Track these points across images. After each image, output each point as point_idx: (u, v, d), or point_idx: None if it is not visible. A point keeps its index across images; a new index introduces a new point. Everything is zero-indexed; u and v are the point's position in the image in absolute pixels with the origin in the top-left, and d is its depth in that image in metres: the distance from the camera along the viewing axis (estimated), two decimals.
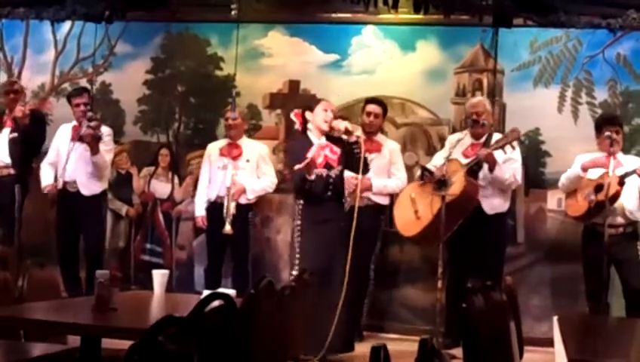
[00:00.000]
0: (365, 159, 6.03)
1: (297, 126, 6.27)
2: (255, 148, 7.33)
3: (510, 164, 6.57)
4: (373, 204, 6.96)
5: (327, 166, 6.02)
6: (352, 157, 5.97)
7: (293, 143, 6.58)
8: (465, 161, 6.51)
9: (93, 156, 7.07)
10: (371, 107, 7.07)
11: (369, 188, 6.85)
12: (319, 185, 5.97)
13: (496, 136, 6.64)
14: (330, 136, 6.14)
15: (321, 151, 6.02)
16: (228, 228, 6.82)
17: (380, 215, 7.06)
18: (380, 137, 7.16)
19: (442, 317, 6.22)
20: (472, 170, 6.46)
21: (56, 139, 7.35)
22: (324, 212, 6.00)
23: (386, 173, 7.02)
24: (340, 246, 5.84)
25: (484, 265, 6.39)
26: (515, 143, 6.36)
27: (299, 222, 6.08)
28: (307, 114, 6.17)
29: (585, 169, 6.46)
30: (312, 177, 5.92)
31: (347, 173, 6.29)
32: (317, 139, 6.10)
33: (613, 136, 6.40)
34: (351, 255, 5.98)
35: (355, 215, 5.87)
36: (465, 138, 6.70)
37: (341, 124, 6.03)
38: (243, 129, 7.41)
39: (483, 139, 6.65)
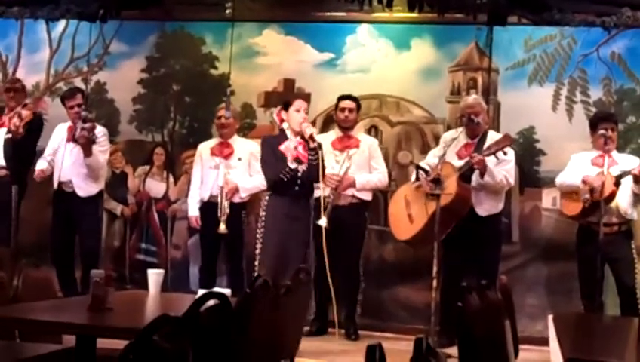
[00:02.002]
0: (324, 168, 6.11)
1: (279, 124, 6.42)
2: (246, 146, 7.30)
3: (503, 166, 6.55)
4: (357, 201, 6.98)
5: (298, 161, 6.12)
6: (309, 164, 6.08)
7: (268, 137, 6.66)
8: (458, 163, 6.51)
9: (86, 158, 7.05)
10: (344, 103, 7.11)
11: (352, 185, 6.89)
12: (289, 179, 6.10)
13: (491, 135, 6.65)
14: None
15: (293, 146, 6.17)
16: (222, 227, 6.82)
17: (364, 212, 7.08)
18: (356, 133, 7.18)
19: (438, 316, 6.22)
20: (465, 175, 6.47)
21: (53, 138, 7.33)
22: (290, 207, 6.13)
23: (366, 168, 7.04)
24: (303, 243, 5.95)
25: (479, 265, 6.41)
26: (506, 148, 6.36)
27: (263, 214, 6.24)
28: (282, 113, 6.31)
29: (585, 182, 6.41)
30: (293, 166, 6.07)
31: (327, 171, 6.55)
32: (292, 136, 6.22)
33: (607, 134, 6.41)
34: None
35: (319, 212, 6.00)
36: (459, 137, 6.70)
37: (308, 130, 6.12)
38: (235, 128, 7.40)
39: (477, 139, 6.66)
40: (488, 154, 6.39)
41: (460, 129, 6.78)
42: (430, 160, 6.73)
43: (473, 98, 6.96)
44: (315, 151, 6.07)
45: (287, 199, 6.16)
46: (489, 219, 6.64)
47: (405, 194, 6.71)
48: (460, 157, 6.60)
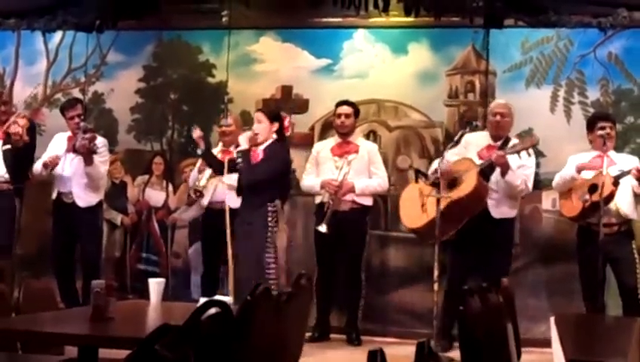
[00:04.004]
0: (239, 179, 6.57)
1: None
2: None
3: (523, 171, 6.56)
4: (357, 206, 6.98)
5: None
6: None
7: None
8: (479, 162, 6.53)
9: (86, 167, 7.05)
10: (341, 109, 7.13)
11: (352, 190, 6.89)
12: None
13: (514, 141, 6.66)
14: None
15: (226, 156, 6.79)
16: (201, 184, 7.08)
17: (365, 217, 7.07)
18: (355, 139, 7.18)
19: (440, 320, 6.22)
20: (484, 172, 6.47)
21: (51, 147, 7.30)
22: (242, 214, 6.47)
23: (366, 173, 7.04)
24: (255, 246, 6.28)
25: (488, 269, 6.39)
26: (530, 150, 6.37)
27: None
28: None
29: (579, 170, 6.46)
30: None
31: (327, 176, 6.90)
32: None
33: (606, 132, 6.42)
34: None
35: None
36: (482, 138, 6.72)
37: (240, 138, 6.55)
38: (237, 136, 7.40)
39: (500, 142, 6.67)
40: (511, 153, 6.42)
41: (482, 133, 6.77)
42: (449, 158, 6.65)
43: (503, 101, 6.99)
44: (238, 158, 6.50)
45: (242, 204, 6.49)
46: (502, 222, 6.63)
47: (419, 188, 6.67)
48: (481, 158, 6.60)
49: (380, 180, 7.06)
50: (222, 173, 6.73)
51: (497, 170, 6.52)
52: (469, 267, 6.56)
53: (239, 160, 6.43)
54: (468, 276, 6.43)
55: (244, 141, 6.47)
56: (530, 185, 6.68)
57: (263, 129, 6.50)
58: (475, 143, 6.69)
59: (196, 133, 6.88)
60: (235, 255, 6.43)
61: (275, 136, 6.53)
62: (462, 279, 6.36)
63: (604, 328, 4.51)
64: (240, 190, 6.51)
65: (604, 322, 5.19)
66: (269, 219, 6.38)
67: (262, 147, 6.48)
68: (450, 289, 6.44)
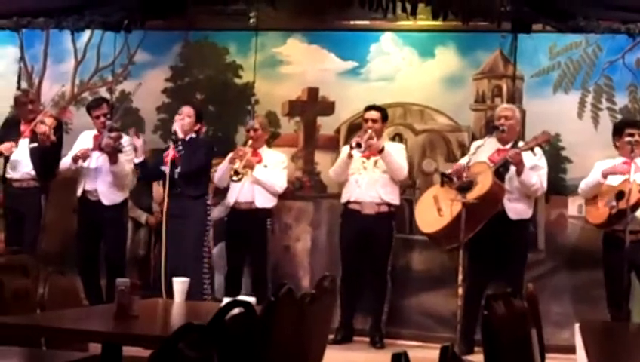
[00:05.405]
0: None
1: None
2: (274, 156, 7.37)
3: (536, 171, 6.57)
4: (384, 210, 6.98)
5: (171, 163, 6.91)
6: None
7: None
8: (492, 165, 6.52)
9: (112, 166, 7.11)
10: (369, 114, 7.13)
11: (380, 148, 6.90)
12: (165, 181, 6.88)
13: (522, 144, 6.65)
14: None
15: (169, 150, 7.06)
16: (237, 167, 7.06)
17: (391, 220, 7.06)
18: (383, 142, 7.16)
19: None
20: (499, 172, 6.47)
21: (77, 145, 7.36)
22: (174, 207, 6.77)
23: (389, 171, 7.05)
24: (192, 241, 6.67)
25: (505, 272, 6.38)
26: (538, 150, 6.35)
27: None
28: None
29: (605, 175, 6.43)
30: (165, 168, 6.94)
31: (354, 173, 7.00)
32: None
33: (634, 139, 6.39)
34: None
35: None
36: (491, 143, 6.70)
37: (176, 126, 6.96)
38: (264, 139, 7.43)
39: (510, 145, 6.65)
40: (526, 149, 6.45)
41: (491, 138, 6.75)
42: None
43: (509, 105, 7.01)
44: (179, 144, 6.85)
45: (175, 200, 6.82)
46: (518, 224, 6.63)
47: (434, 193, 6.69)
48: (492, 162, 6.59)
49: (404, 164, 7.03)
50: (159, 178, 7.12)
51: (512, 171, 6.52)
52: (488, 270, 6.55)
53: (180, 148, 6.75)
54: (487, 279, 6.42)
55: (179, 130, 6.84)
56: (545, 184, 6.67)
57: (189, 123, 6.93)
58: (485, 148, 6.67)
59: (137, 140, 7.17)
60: (167, 253, 6.65)
61: (194, 135, 6.95)
62: (481, 282, 6.37)
63: (629, 335, 4.47)
64: (173, 183, 6.82)
65: (630, 330, 5.15)
66: (208, 213, 6.65)
67: (186, 138, 6.89)
68: (469, 292, 6.41)
